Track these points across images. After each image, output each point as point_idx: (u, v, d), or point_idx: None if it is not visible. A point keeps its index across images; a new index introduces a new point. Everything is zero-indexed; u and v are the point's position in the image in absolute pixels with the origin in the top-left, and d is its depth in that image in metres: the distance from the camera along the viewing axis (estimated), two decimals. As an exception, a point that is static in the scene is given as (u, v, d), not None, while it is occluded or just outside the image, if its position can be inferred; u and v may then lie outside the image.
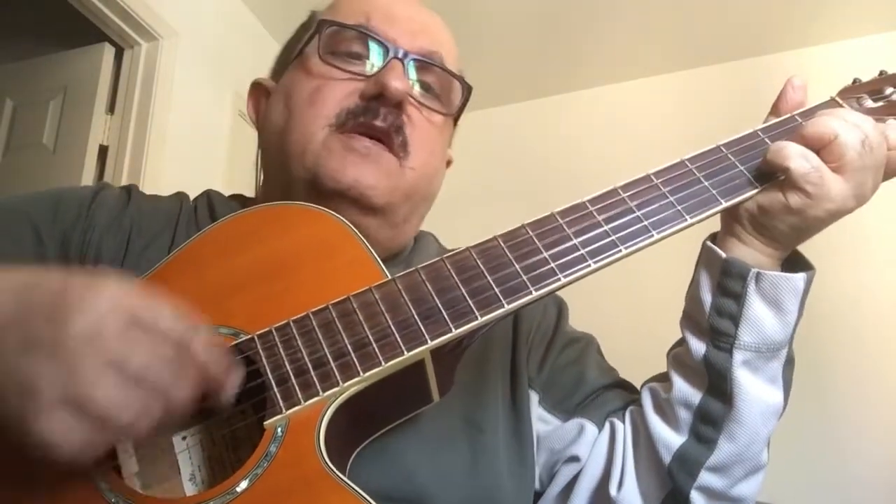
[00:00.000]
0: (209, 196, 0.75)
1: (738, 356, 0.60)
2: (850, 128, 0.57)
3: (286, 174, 0.69)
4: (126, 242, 0.65)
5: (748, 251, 0.61)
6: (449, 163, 0.81)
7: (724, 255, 0.61)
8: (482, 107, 3.09)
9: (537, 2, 2.60)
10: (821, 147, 0.57)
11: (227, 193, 0.79)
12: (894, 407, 2.18)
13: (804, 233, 0.60)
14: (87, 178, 2.17)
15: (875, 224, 2.25)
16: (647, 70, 2.95)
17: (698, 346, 0.62)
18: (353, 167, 0.65)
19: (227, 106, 2.56)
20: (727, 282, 0.60)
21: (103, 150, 2.25)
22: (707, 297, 0.62)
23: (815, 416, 2.18)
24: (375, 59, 0.70)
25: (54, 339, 0.39)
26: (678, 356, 0.66)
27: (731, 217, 0.62)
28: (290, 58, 0.75)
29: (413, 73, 0.71)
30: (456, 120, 0.79)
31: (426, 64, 0.72)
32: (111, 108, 2.30)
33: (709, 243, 0.63)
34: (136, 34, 2.26)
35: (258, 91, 0.80)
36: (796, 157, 0.56)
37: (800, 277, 0.60)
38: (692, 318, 0.64)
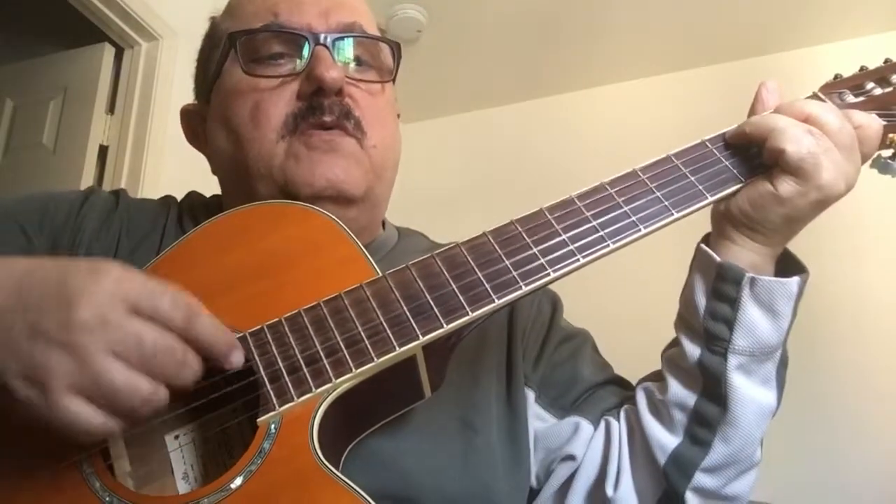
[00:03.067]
0: (191, 197, 0.76)
1: (733, 360, 0.60)
2: (792, 123, 0.58)
3: (254, 195, 0.67)
4: (115, 245, 0.66)
5: (742, 252, 0.61)
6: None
7: (717, 258, 0.61)
8: (482, 107, 3.08)
9: (537, 2, 2.60)
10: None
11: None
12: (893, 405, 2.18)
13: (795, 224, 0.60)
14: (87, 178, 2.18)
15: (875, 223, 2.25)
16: (647, 70, 2.95)
17: (693, 350, 0.62)
18: (320, 167, 0.65)
19: (227, 106, 2.55)
20: (721, 286, 0.60)
21: (103, 150, 2.25)
22: (701, 301, 0.62)
23: (813, 414, 2.18)
24: (298, 51, 0.68)
25: (61, 328, 0.41)
26: (672, 358, 0.66)
27: (722, 218, 0.62)
28: (210, 77, 0.73)
29: (340, 53, 0.69)
30: (394, 79, 0.76)
31: (349, 38, 0.70)
32: (111, 108, 2.30)
33: (703, 246, 0.63)
34: (136, 34, 2.26)
35: (190, 116, 0.79)
36: (793, 140, 0.57)
37: (794, 282, 0.60)
38: (686, 320, 0.64)
